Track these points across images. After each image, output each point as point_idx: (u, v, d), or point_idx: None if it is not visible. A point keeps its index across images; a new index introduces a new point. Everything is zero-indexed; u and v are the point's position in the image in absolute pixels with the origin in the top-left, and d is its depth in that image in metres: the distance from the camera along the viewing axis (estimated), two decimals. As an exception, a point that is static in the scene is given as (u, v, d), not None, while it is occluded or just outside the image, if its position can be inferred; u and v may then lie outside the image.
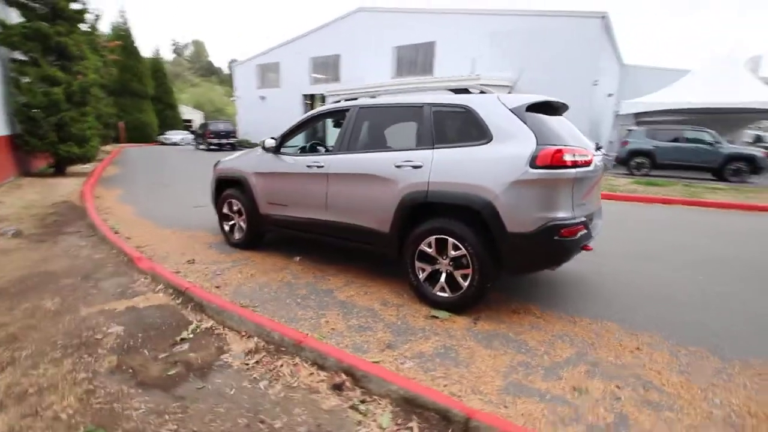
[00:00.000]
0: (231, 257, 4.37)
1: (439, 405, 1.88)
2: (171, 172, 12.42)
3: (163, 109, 34.78)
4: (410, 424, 1.87)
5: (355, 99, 3.99)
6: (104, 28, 27.19)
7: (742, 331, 2.87)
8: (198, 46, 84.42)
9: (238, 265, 4.13)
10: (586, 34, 14.35)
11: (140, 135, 30.48)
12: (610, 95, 18.19)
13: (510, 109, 2.93)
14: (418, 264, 3.20)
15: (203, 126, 23.62)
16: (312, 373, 2.27)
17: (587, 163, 2.87)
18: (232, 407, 2.01)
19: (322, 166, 3.72)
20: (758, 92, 13.14)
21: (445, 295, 3.09)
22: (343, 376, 2.17)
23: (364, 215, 3.48)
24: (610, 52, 17.41)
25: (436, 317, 3.00)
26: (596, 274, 3.92)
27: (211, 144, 22.10)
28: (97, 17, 12.20)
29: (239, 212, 4.61)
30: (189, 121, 40.81)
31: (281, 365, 2.35)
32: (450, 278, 3.07)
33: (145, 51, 31.79)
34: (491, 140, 2.90)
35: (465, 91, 3.39)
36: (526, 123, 2.85)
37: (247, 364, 2.36)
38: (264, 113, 25.84)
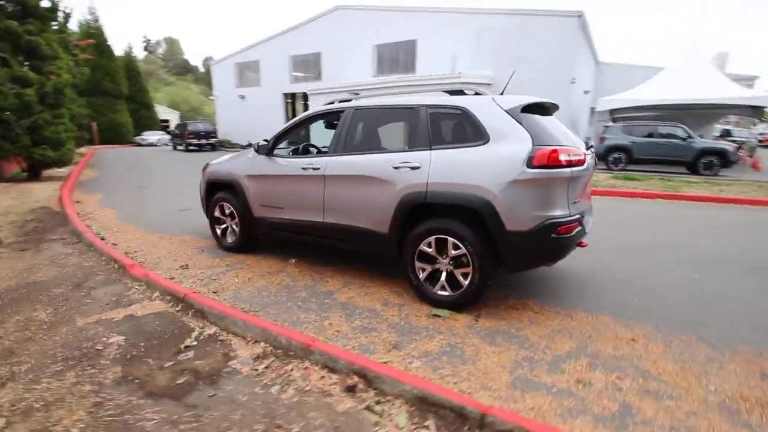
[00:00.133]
0: (225, 261, 4.33)
1: (454, 403, 1.92)
2: (151, 175, 12.12)
3: (137, 109, 33.81)
4: (427, 423, 1.91)
5: (349, 101, 3.99)
6: (74, 26, 26.18)
7: (728, 320, 3.02)
8: (171, 43, 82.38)
9: (233, 269, 4.10)
10: (563, 33, 14.66)
11: (114, 136, 29.59)
12: (586, 92, 18.64)
13: (505, 111, 3.00)
14: (418, 264, 3.24)
15: (182, 126, 23.11)
16: (323, 377, 2.28)
17: (581, 162, 2.96)
18: (247, 414, 2.01)
19: (318, 168, 3.71)
20: (725, 88, 13.72)
21: (446, 293, 3.14)
22: (356, 378, 2.19)
23: (362, 217, 3.50)
24: (586, 50, 17.83)
25: (438, 316, 3.05)
26: (587, 269, 4.04)
27: (190, 145, 21.66)
28: (68, 15, 11.78)
29: (231, 215, 4.57)
30: (166, 121, 39.80)
31: (291, 369, 2.36)
32: (450, 277, 3.12)
33: (116, 49, 30.73)
34: (488, 141, 2.96)
35: (460, 92, 3.44)
36: (521, 124, 2.93)
37: (257, 370, 2.36)
38: (244, 113, 25.44)
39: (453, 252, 3.04)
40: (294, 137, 5.16)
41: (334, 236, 3.76)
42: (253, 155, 4.31)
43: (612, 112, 15.01)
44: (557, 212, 2.85)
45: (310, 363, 2.39)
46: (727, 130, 21.48)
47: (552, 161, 2.77)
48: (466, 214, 3.00)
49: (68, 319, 3.00)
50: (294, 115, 26.39)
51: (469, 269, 2.99)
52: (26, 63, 9.66)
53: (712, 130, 18.31)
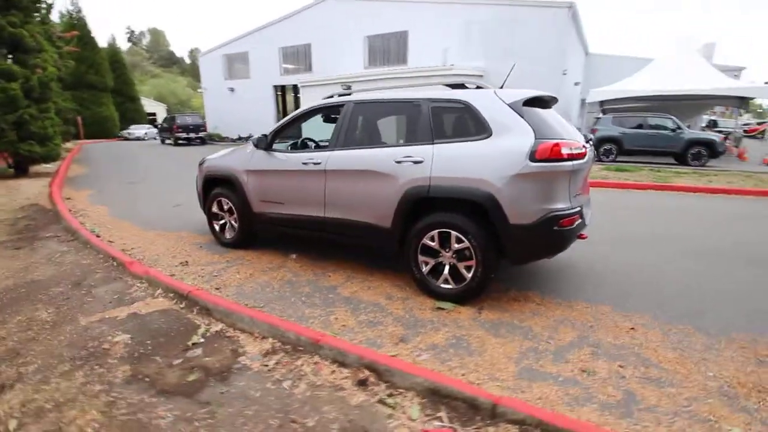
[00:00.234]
0: (225, 257, 4.31)
1: (466, 394, 1.97)
2: (140, 170, 11.95)
3: (123, 102, 33.22)
4: (439, 414, 1.95)
5: (349, 94, 3.97)
6: (55, 17, 25.50)
7: (723, 309, 3.10)
8: (156, 34, 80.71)
9: (233, 265, 4.09)
10: (555, 24, 14.70)
11: (100, 130, 29.04)
12: (576, 84, 18.78)
13: (507, 104, 3.02)
14: (421, 257, 3.26)
15: (170, 120, 22.77)
16: (334, 371, 2.31)
17: (582, 156, 3.00)
18: (261, 409, 2.03)
19: (319, 163, 3.71)
20: (713, 79, 13.90)
21: (449, 286, 3.18)
22: (367, 372, 2.23)
23: (363, 211, 3.51)
24: (576, 41, 17.92)
25: (442, 309, 3.09)
26: (584, 261, 4.12)
27: (179, 139, 21.38)
28: (50, 6, 11.45)
29: (230, 211, 4.54)
30: (153, 114, 39.14)
31: (302, 365, 2.38)
32: (453, 270, 3.16)
33: (100, 40, 30.00)
34: (491, 135, 2.99)
35: (461, 86, 3.45)
36: (523, 117, 2.95)
37: (267, 366, 2.38)
38: (233, 105, 25.13)
39: (456, 245, 3.08)
40: (291, 132, 5.13)
41: (336, 231, 3.77)
42: (252, 150, 4.27)
43: (602, 103, 15.14)
44: (559, 205, 2.89)
45: (320, 358, 2.42)
46: (714, 120, 21.82)
47: (554, 155, 2.81)
48: (469, 208, 3.03)
49: (71, 318, 2.98)
50: (284, 108, 26.15)
51: (473, 262, 3.03)
52: (10, 56, 9.40)
53: (699, 121, 18.59)
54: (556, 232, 2.88)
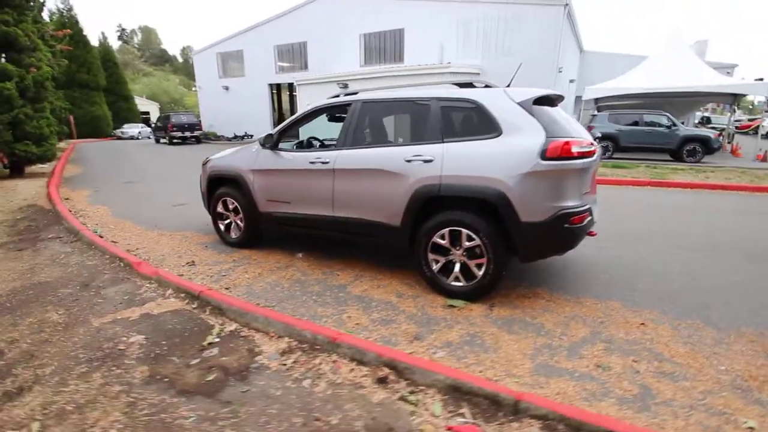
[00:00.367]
0: (231, 257, 4.30)
1: (487, 390, 1.99)
2: (137, 169, 11.86)
3: (115, 101, 32.90)
4: (462, 411, 1.97)
5: (355, 93, 3.97)
6: (45, 15, 25.12)
7: (728, 303, 3.16)
8: (147, 32, 79.95)
9: (241, 264, 4.08)
10: (551, 22, 14.76)
11: (93, 129, 28.77)
12: (572, 81, 18.88)
13: (517, 103, 3.04)
14: (431, 255, 3.28)
15: (164, 118, 22.58)
16: (353, 369, 2.32)
17: (591, 154, 3.03)
18: (284, 408, 2.04)
19: (327, 162, 3.71)
20: (706, 76, 14.05)
21: (460, 284, 3.20)
22: (386, 370, 2.24)
23: (373, 210, 3.52)
24: (572, 39, 18.01)
25: (453, 306, 3.12)
26: (589, 257, 4.16)
27: (174, 138, 21.22)
28: (42, 4, 11.31)
29: (235, 211, 4.53)
30: (146, 113, 38.79)
31: (320, 363, 2.39)
32: (464, 268, 3.18)
33: (91, 38, 29.68)
34: (501, 134, 3.01)
35: (470, 85, 3.47)
36: (534, 116, 2.98)
37: (285, 365, 2.39)
38: (228, 104, 24.99)
39: (467, 243, 3.10)
40: (296, 131, 5.13)
41: (344, 230, 3.77)
42: (257, 149, 4.26)
43: (597, 100, 15.25)
44: (570, 203, 2.92)
45: (338, 356, 2.43)
46: (707, 117, 22.05)
47: (565, 153, 2.84)
48: (480, 206, 3.05)
49: (83, 319, 2.96)
50: (280, 106, 26.04)
51: (484, 260, 3.05)
52: (3, 55, 9.27)
53: (694, 118, 18.78)
54: (567, 230, 2.91)
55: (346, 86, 15.72)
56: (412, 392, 2.11)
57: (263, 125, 23.21)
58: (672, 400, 2.08)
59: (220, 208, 4.66)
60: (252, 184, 4.28)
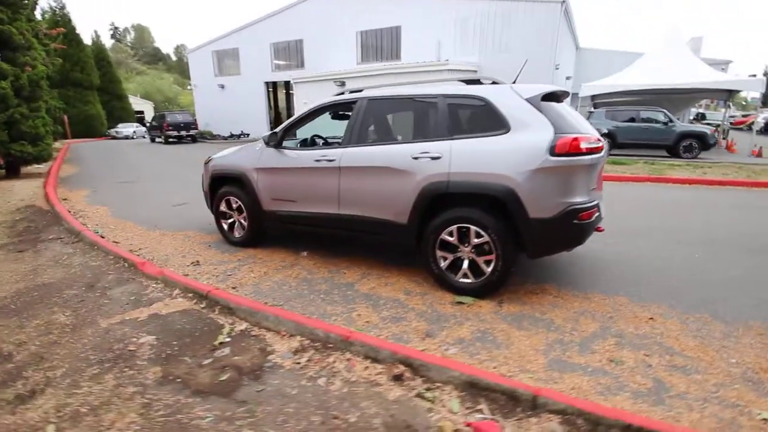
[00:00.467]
0: (236, 256, 4.28)
1: (504, 386, 2.00)
2: (134, 169, 11.78)
3: (109, 100, 32.62)
4: (479, 407, 1.98)
5: (360, 90, 3.96)
6: (38, 13, 24.82)
7: (733, 297, 3.18)
8: (140, 31, 79.30)
9: (246, 263, 4.06)
10: (548, 19, 14.79)
11: (87, 129, 28.53)
12: (568, 78, 18.93)
13: (525, 99, 3.04)
14: (439, 253, 3.28)
15: (160, 117, 22.44)
16: (367, 367, 2.32)
17: (599, 150, 3.04)
18: (300, 407, 2.03)
19: (333, 160, 3.69)
20: (702, 73, 14.13)
21: (469, 281, 3.20)
22: (401, 367, 2.24)
23: (380, 208, 3.51)
24: (568, 36, 18.05)
25: (462, 303, 3.12)
26: (594, 253, 4.18)
27: (169, 137, 21.08)
28: (35, 2, 11.17)
29: (239, 210, 4.51)
30: (140, 112, 38.51)
31: (333, 361, 2.39)
32: (473, 265, 3.18)
33: (83, 37, 29.36)
34: (509, 130, 3.01)
35: (477, 81, 3.46)
36: (542, 112, 2.98)
37: (299, 363, 2.38)
38: (224, 102, 24.85)
39: (475, 240, 3.10)
40: (298, 129, 5.10)
41: (350, 228, 3.76)
42: (261, 147, 4.24)
43: (593, 97, 15.30)
44: (578, 199, 2.93)
45: (352, 354, 2.43)
46: (702, 113, 22.20)
47: (573, 149, 2.84)
48: (489, 203, 3.05)
49: (90, 320, 2.94)
50: (276, 104, 25.92)
51: (492, 257, 3.06)
52: (-2, 54, 9.16)
53: (690, 114, 18.90)
54: (575, 226, 2.92)
55: (343, 84, 15.68)
56: (428, 389, 2.11)
57: (259, 124, 23.12)
58: (686, 393, 2.10)
59: (223, 207, 4.64)
60: (256, 183, 4.25)
